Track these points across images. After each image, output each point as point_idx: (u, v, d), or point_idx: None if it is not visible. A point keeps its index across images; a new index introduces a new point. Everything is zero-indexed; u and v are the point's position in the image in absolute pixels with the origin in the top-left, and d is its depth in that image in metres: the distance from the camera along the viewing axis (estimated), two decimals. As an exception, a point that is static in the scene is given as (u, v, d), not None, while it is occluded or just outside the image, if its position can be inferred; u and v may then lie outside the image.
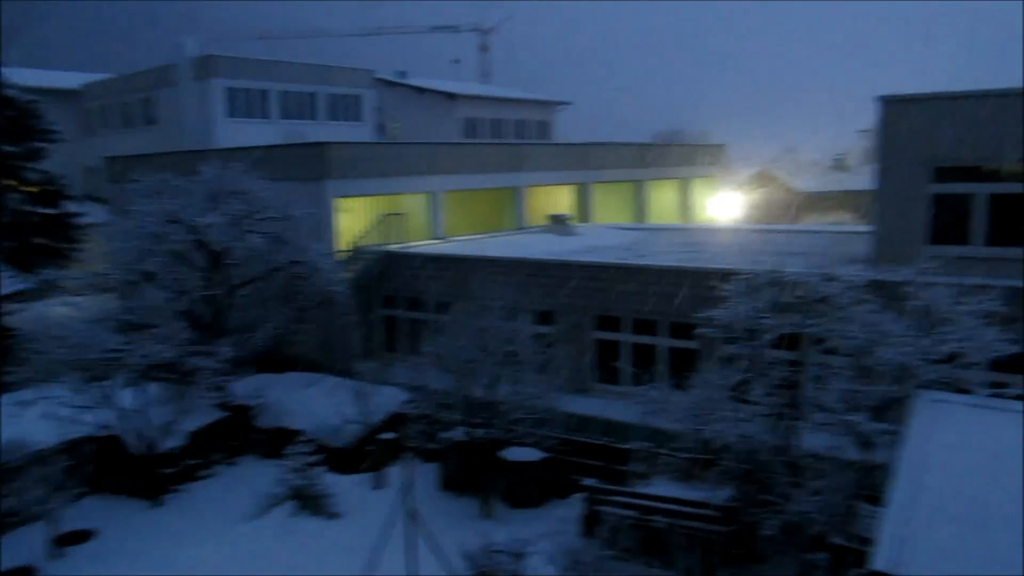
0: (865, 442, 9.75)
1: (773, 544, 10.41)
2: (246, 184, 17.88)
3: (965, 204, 14.53)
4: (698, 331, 12.38)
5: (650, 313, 16.34)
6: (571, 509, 13.47)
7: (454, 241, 23.61)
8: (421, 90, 44.76)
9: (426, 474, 15.09)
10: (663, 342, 16.23)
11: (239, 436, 17.08)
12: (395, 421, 16.51)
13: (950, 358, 9.47)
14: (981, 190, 14.43)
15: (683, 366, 14.69)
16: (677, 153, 37.57)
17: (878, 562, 6.89)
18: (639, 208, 33.97)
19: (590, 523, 12.45)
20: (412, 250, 21.10)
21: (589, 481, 13.12)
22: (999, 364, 9.88)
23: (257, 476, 15.66)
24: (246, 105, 35.66)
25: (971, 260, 13.50)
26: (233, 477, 16.28)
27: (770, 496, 10.04)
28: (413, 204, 24.86)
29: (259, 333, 18.38)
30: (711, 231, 26.98)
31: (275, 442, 16.25)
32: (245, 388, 17.82)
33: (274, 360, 19.39)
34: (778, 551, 10.53)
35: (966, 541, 6.87)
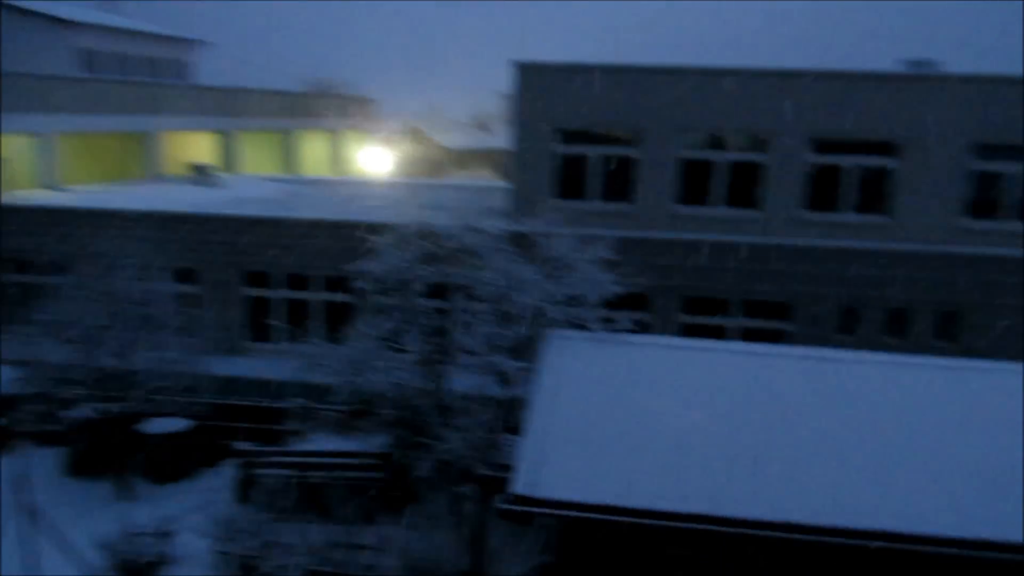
0: (505, 379, 10.65)
1: (427, 483, 10.97)
2: None
3: (585, 163, 16.48)
4: (352, 284, 12.39)
5: (303, 268, 15.97)
6: (224, 477, 12.79)
7: (75, 192, 20.56)
8: (24, 12, 37.73)
9: (46, 460, 13.17)
10: (317, 296, 16.00)
11: None
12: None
13: (572, 300, 10.70)
14: (597, 152, 16.44)
15: (339, 320, 14.65)
16: (327, 104, 36.89)
17: (517, 486, 7.61)
18: (289, 159, 32.80)
19: (245, 488, 11.95)
20: (18, 203, 17.94)
21: (242, 445, 12.54)
22: (610, 303, 11.41)
23: None
24: None
25: (589, 213, 15.37)
26: None
27: (423, 439, 10.52)
28: (18, 148, 21.05)
29: None
30: (361, 184, 27.08)
31: None
32: None
33: None
34: (432, 489, 11.13)
35: (593, 461, 7.90)
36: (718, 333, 15.78)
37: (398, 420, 11.36)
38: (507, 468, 8.38)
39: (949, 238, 15.52)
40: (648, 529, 7.44)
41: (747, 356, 9.73)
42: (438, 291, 11.46)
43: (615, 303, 11.44)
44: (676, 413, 8.52)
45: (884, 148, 15.64)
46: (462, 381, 11.24)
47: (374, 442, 11.92)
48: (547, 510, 7.68)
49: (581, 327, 10.45)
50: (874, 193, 15.88)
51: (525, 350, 10.92)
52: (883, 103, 15.35)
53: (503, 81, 16.45)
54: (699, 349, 9.90)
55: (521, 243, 11.56)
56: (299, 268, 16.02)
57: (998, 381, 9.04)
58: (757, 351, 9.86)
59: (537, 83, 16.08)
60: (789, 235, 15.79)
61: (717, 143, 16.36)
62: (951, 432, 8.22)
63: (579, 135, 16.43)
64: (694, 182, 16.22)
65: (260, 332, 16.42)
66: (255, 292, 16.32)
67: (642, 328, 15.48)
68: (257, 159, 31.27)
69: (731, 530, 7.18)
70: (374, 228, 12.00)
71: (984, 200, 15.67)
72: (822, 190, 15.93)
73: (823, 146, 15.73)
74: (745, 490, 7.42)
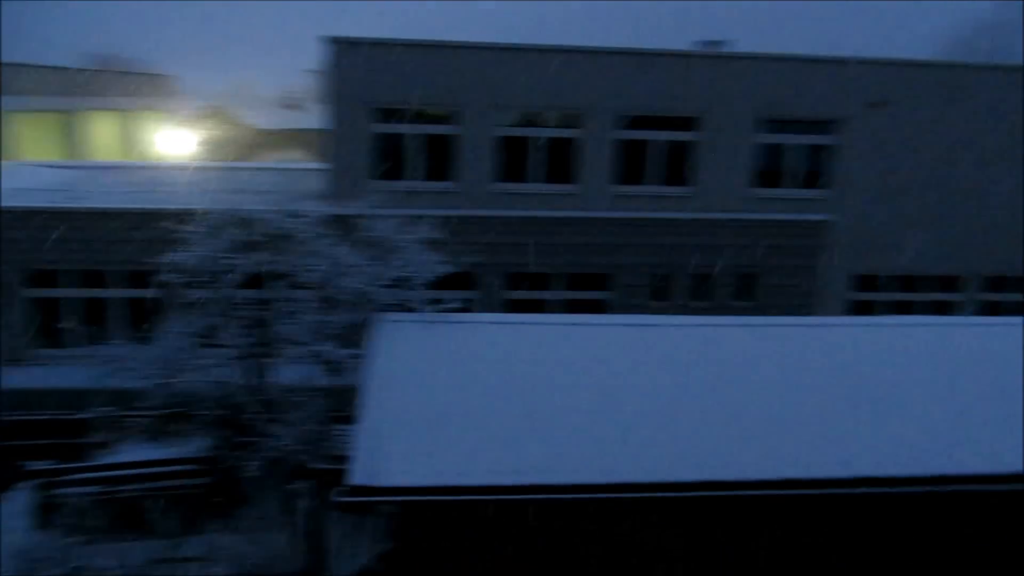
0: (334, 368, 10.30)
1: (258, 484, 10.42)
2: None
3: (405, 143, 16.23)
4: (158, 278, 11.42)
5: (98, 263, 14.52)
6: (18, 503, 11.44)
7: None
8: None
9: None
10: (118, 294, 14.63)
11: None
12: None
13: (400, 282, 10.50)
14: (416, 131, 16.22)
15: (145, 318, 13.50)
16: (117, 81, 33.72)
17: (356, 476, 7.38)
18: (73, 143, 29.71)
19: (46, 512, 10.76)
20: None
21: (38, 464, 11.26)
22: (438, 283, 11.34)
23: None
24: None
25: (412, 193, 15.15)
26: None
27: (250, 437, 9.96)
28: None
29: None
30: (161, 169, 25.05)
31: None
32: None
33: None
34: (263, 489, 10.59)
35: (430, 444, 7.80)
36: (542, 307, 16.24)
37: (220, 420, 10.66)
38: (343, 459, 8.11)
39: (744, 206, 16.86)
40: (488, 505, 7.50)
41: (572, 327, 10.05)
42: (256, 281, 10.83)
43: (442, 283, 11.39)
44: (510, 388, 8.62)
45: (685, 123, 16.66)
46: (288, 373, 10.74)
47: (194, 446, 11.13)
48: (386, 498, 7.52)
49: (410, 310, 10.30)
50: (678, 166, 16.90)
51: (354, 337, 10.61)
52: (683, 81, 16.32)
53: (315, 58, 15.78)
54: (527, 324, 10.10)
55: (342, 226, 11.16)
56: (94, 264, 14.56)
57: (806, 336, 10.00)
58: (581, 321, 10.22)
59: (351, 59, 15.55)
60: (604, 209, 16.47)
61: (533, 120, 16.68)
62: (770, 385, 8.95)
63: (397, 113, 16.12)
64: (513, 159, 16.46)
65: (52, 337, 14.79)
66: (42, 293, 14.66)
67: (470, 307, 15.59)
68: (36, 142, 28.05)
69: (567, 496, 7.40)
70: (180, 216, 11.09)
71: (771, 170, 17.16)
72: (632, 165, 16.74)
73: (631, 122, 16.50)
74: (580, 456, 7.66)
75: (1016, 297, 18.32)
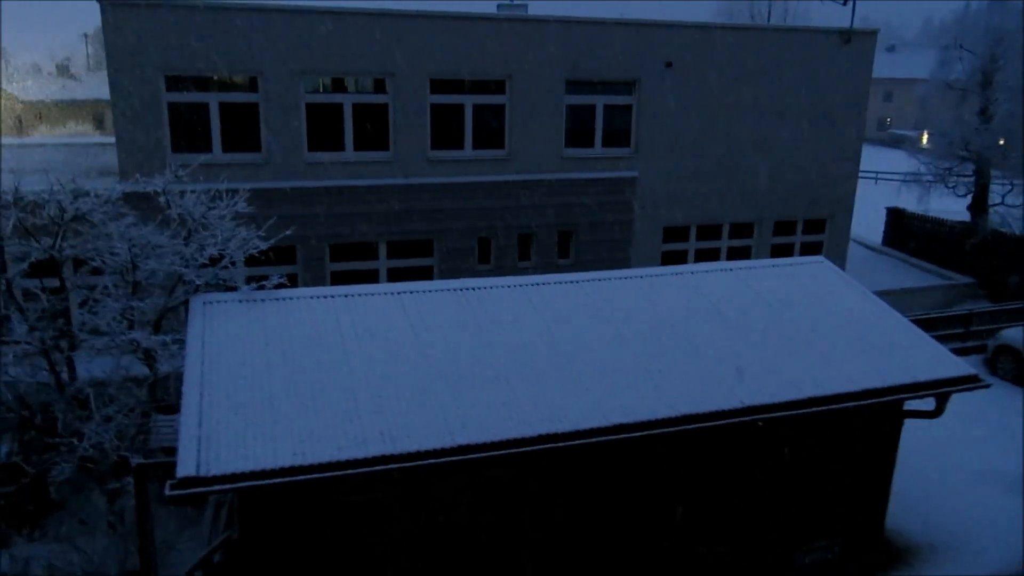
0: (150, 356, 9.63)
1: (73, 486, 9.61)
2: None
3: (205, 113, 15.19)
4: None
5: None
6: None
7: None
8: None
9: None
10: None
11: None
12: None
13: (214, 260, 9.94)
14: (215, 99, 15.25)
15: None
16: None
17: (183, 468, 7.00)
18: None
19: None
20: None
21: None
22: (256, 260, 10.84)
23: None
24: None
25: (216, 166, 14.30)
26: None
27: (57, 438, 9.11)
28: None
29: None
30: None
31: None
32: None
33: None
34: (78, 490, 9.78)
35: (263, 426, 7.52)
36: (370, 277, 16.04)
37: (20, 422, 9.67)
38: (169, 451, 7.66)
39: (558, 166, 17.47)
40: (327, 482, 7.39)
41: (397, 296, 10.00)
42: (48, 268, 9.83)
43: (262, 259, 10.92)
44: (341, 362, 8.48)
45: (497, 87, 16.91)
46: (96, 365, 9.91)
47: (-9, 455, 10.05)
48: (219, 487, 7.19)
49: (228, 289, 9.80)
50: (492, 130, 17.17)
51: (168, 321, 9.96)
52: (490, 44, 16.51)
53: (93, 21, 14.32)
54: (354, 295, 9.91)
55: (142, 205, 10.36)
56: None
57: (625, 287, 10.59)
58: (406, 289, 10.17)
59: (134, 23, 14.29)
60: (421, 175, 16.42)
61: (341, 86, 16.23)
62: (595, 337, 9.43)
63: (193, 81, 15.08)
64: (325, 127, 15.96)
65: None
66: None
67: (292, 282, 15.10)
68: None
69: (408, 464, 7.44)
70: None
71: (582, 130, 17.87)
72: (446, 129, 16.77)
73: (442, 86, 16.49)
74: (417, 424, 7.73)
75: (802, 239, 20.47)
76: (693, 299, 10.59)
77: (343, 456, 7.23)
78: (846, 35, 19.06)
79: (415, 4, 16.53)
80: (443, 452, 7.48)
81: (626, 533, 9.17)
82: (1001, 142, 24.51)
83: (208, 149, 15.23)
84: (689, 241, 19.36)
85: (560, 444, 7.82)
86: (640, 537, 9.25)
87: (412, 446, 7.46)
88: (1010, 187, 25.53)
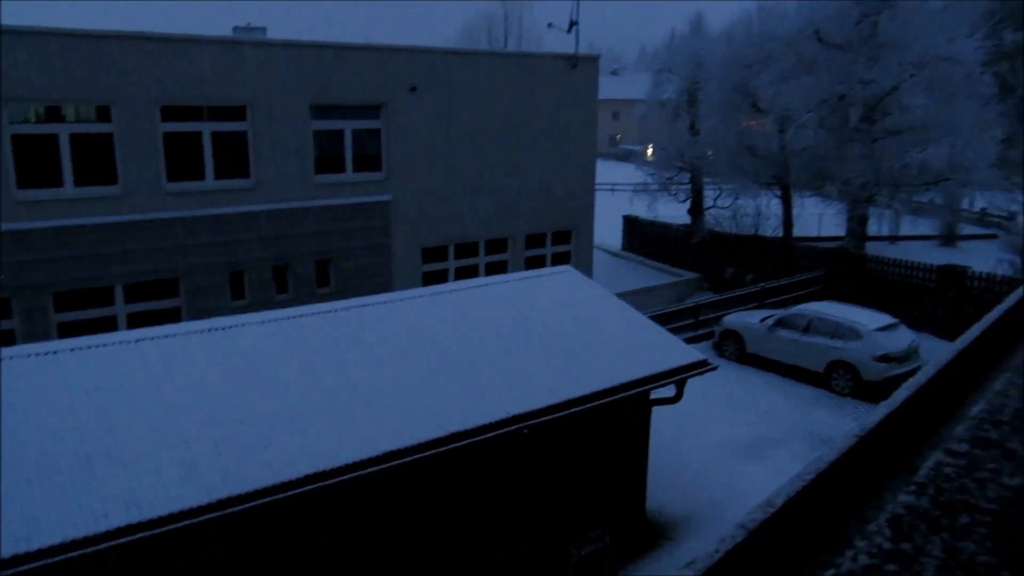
0: None
1: None
2: None
3: (54, 145, 13.54)
4: None
5: None
6: None
7: None
8: None
9: None
10: None
11: None
12: None
13: None
14: (63, 130, 13.42)
15: None
16: None
17: None
18: None
19: None
20: None
21: None
22: None
23: None
24: None
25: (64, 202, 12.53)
26: None
27: None
28: None
29: None
30: None
31: None
32: None
33: None
34: None
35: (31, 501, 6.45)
36: (107, 326, 14.47)
37: None
38: None
39: (309, 193, 16.98)
40: (65, 565, 6.51)
41: (139, 343, 9.12)
42: None
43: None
44: (70, 425, 7.55)
45: (236, 113, 16.09)
46: None
47: None
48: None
49: None
50: (234, 158, 16.29)
51: None
52: (227, 68, 15.68)
53: None
54: (83, 348, 8.87)
55: None
56: None
57: (385, 312, 10.47)
58: (147, 336, 9.30)
59: None
60: (155, 209, 15.15)
61: (58, 115, 14.54)
62: (356, 365, 9.20)
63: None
64: (36, 162, 14.19)
65: None
66: None
67: (9, 339, 13.26)
68: None
69: (158, 531, 6.79)
70: None
71: (332, 156, 17.54)
72: (183, 159, 15.64)
73: (176, 112, 15.37)
74: (168, 482, 7.07)
75: (552, 250, 21.67)
76: (452, 317, 10.78)
77: (79, 534, 6.41)
78: (573, 60, 20.57)
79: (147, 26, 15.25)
80: (199, 510, 6.90)
81: (409, 551, 9.07)
82: (709, 153, 27.89)
83: (60, 184, 13.31)
84: (448, 260, 19.73)
85: (329, 481, 7.55)
86: (425, 552, 9.20)
87: (162, 509, 6.79)
88: (719, 192, 29.15)
